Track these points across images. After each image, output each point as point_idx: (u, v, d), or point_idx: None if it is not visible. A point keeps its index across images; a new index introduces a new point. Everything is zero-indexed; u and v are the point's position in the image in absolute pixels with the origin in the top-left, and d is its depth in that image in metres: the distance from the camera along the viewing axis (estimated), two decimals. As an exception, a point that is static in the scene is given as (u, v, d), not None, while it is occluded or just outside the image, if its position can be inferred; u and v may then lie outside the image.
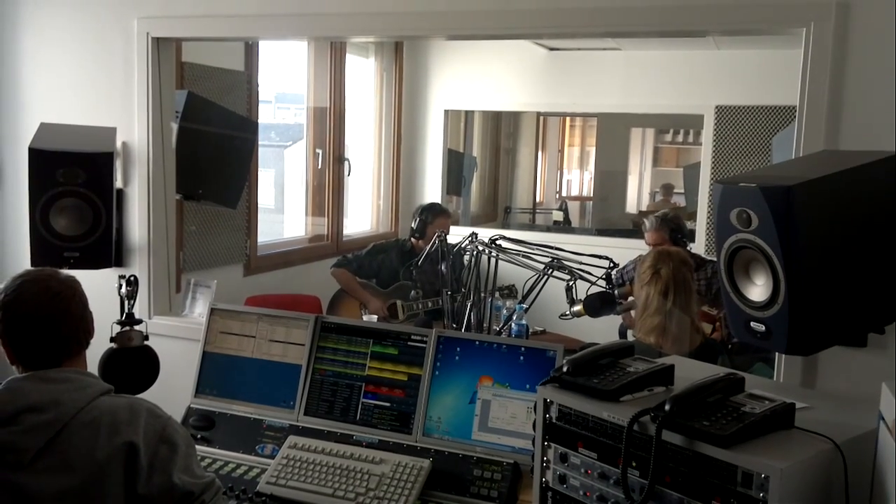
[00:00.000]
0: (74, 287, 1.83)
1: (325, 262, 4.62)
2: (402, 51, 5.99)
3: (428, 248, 3.58)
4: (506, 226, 6.79)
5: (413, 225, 4.48)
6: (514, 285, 3.75)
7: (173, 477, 1.68)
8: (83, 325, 1.83)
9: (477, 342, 2.29)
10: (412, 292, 4.10)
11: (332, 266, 4.42)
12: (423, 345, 2.31)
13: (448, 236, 4.22)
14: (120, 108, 3.00)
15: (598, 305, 2.91)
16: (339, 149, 5.41)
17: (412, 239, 4.45)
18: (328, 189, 5.37)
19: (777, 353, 2.22)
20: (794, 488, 1.29)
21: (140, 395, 1.86)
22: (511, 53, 5.91)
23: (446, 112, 6.26)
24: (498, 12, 2.46)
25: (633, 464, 1.46)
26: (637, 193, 7.42)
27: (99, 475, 1.64)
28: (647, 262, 2.86)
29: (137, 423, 1.69)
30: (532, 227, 7.17)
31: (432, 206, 4.64)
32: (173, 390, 2.45)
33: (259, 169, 4.62)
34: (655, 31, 2.43)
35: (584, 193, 7.92)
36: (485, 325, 3.28)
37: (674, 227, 4.01)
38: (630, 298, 2.99)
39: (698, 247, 5.28)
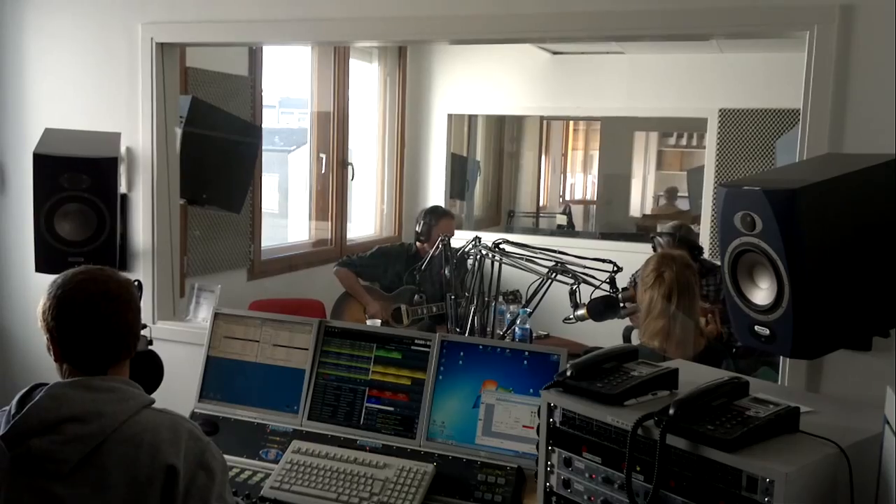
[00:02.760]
0: (132, 291, 1.77)
1: (328, 267, 4.62)
2: (405, 55, 6.00)
3: (431, 252, 3.58)
4: (509, 230, 6.77)
5: (417, 229, 4.48)
6: (518, 290, 3.75)
7: None
8: (134, 331, 1.77)
9: (480, 346, 2.29)
10: (416, 297, 4.10)
11: (335, 265, 4.42)
12: (427, 349, 2.31)
13: (453, 238, 4.25)
14: (124, 114, 3.01)
15: (601, 309, 2.91)
16: (343, 153, 5.42)
17: (417, 243, 4.45)
18: (332, 193, 5.38)
19: (782, 357, 2.22)
20: (799, 493, 1.29)
21: (173, 411, 1.82)
22: (514, 57, 5.91)
23: (450, 116, 6.27)
24: (501, 16, 2.46)
25: (638, 468, 1.46)
26: (641, 197, 7.40)
27: (137, 495, 1.59)
28: (650, 266, 2.85)
29: (179, 445, 1.64)
30: (535, 231, 7.16)
31: (435, 208, 4.64)
32: (177, 395, 2.44)
33: (263, 173, 4.63)
34: (659, 34, 2.44)
35: (588, 197, 7.91)
36: (488, 329, 3.28)
37: (689, 248, 3.89)
38: (633, 303, 2.98)
39: (702, 251, 5.26)
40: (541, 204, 7.58)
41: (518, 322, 3.39)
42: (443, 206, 5.24)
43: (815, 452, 1.36)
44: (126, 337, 1.74)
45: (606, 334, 3.34)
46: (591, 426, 1.55)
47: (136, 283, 2.66)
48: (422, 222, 4.45)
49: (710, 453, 1.35)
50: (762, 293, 1.70)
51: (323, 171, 5.33)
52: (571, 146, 8.12)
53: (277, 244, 5.04)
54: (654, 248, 3.99)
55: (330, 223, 5.37)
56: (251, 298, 4.08)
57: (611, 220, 7.20)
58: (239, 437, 2.37)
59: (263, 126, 4.60)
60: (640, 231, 6.77)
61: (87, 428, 1.60)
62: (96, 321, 1.69)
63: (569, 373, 1.62)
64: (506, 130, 7.30)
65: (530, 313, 3.31)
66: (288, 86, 5.41)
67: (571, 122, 7.85)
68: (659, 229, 4.31)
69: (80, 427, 1.60)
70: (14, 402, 1.66)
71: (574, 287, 2.97)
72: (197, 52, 3.88)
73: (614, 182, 7.29)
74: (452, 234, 4.30)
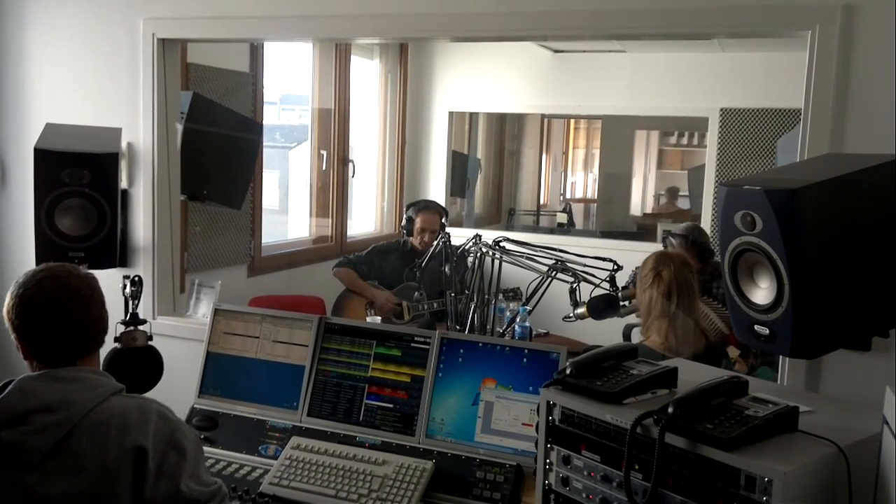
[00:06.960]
0: (93, 285, 1.80)
1: (328, 264, 4.63)
2: (406, 53, 6.00)
3: (431, 249, 3.58)
4: (509, 228, 6.77)
5: (402, 223, 4.59)
6: (518, 287, 3.75)
7: (180, 484, 1.66)
8: (100, 325, 1.80)
9: (480, 344, 2.29)
10: (416, 294, 4.11)
11: (334, 266, 4.43)
12: (427, 346, 2.31)
13: (439, 231, 4.28)
14: (125, 109, 3.01)
15: (601, 308, 2.91)
16: (344, 150, 5.42)
17: (408, 237, 4.51)
18: (332, 190, 5.38)
19: (781, 357, 2.22)
20: (798, 492, 1.29)
21: (145, 395, 1.85)
22: (516, 55, 5.91)
23: (451, 114, 6.27)
24: (503, 14, 2.46)
25: (636, 466, 1.46)
26: (641, 196, 7.40)
27: (108, 478, 1.63)
28: (648, 266, 2.85)
29: (147, 427, 1.67)
30: (536, 229, 7.16)
31: (417, 202, 4.72)
32: (177, 390, 2.45)
33: (263, 170, 4.63)
34: (660, 33, 2.43)
35: (589, 196, 7.91)
36: (488, 326, 3.28)
37: (700, 249, 3.91)
38: (633, 301, 2.99)
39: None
40: (541, 202, 7.58)
41: (518, 320, 3.39)
42: (438, 202, 5.21)
43: (813, 452, 1.36)
44: (91, 331, 1.78)
45: (606, 333, 3.34)
46: (591, 424, 1.55)
47: (136, 277, 2.66)
48: (405, 217, 4.55)
49: (708, 452, 1.35)
50: (762, 293, 1.70)
51: (323, 168, 5.34)
52: (572, 144, 8.12)
53: (278, 241, 5.04)
54: (665, 248, 3.97)
55: (330, 220, 5.38)
56: (251, 295, 4.09)
57: (611, 219, 7.20)
58: (238, 433, 2.37)
59: (264, 122, 4.61)
60: (640, 230, 6.78)
61: (55, 417, 1.63)
62: (59, 318, 1.73)
63: (568, 371, 1.62)
64: (507, 128, 7.31)
65: (530, 311, 3.31)
66: (289, 82, 5.40)
67: (572, 121, 7.85)
68: (672, 230, 4.28)
69: (49, 416, 1.63)
70: None
71: (574, 285, 2.97)
72: (198, 48, 3.88)
73: (615, 181, 7.29)
74: (434, 229, 4.36)
